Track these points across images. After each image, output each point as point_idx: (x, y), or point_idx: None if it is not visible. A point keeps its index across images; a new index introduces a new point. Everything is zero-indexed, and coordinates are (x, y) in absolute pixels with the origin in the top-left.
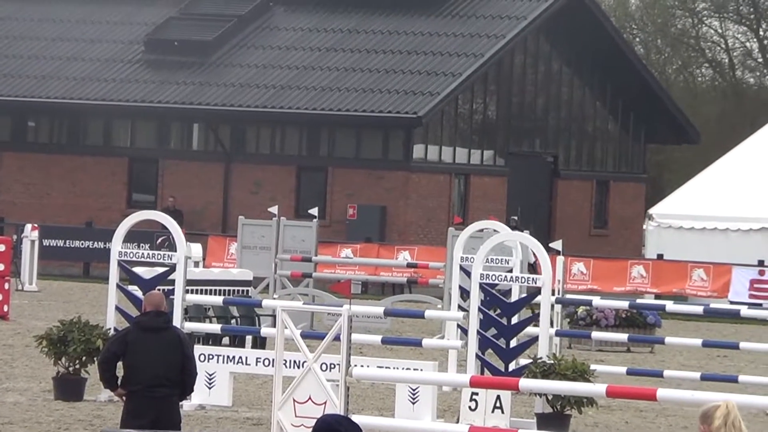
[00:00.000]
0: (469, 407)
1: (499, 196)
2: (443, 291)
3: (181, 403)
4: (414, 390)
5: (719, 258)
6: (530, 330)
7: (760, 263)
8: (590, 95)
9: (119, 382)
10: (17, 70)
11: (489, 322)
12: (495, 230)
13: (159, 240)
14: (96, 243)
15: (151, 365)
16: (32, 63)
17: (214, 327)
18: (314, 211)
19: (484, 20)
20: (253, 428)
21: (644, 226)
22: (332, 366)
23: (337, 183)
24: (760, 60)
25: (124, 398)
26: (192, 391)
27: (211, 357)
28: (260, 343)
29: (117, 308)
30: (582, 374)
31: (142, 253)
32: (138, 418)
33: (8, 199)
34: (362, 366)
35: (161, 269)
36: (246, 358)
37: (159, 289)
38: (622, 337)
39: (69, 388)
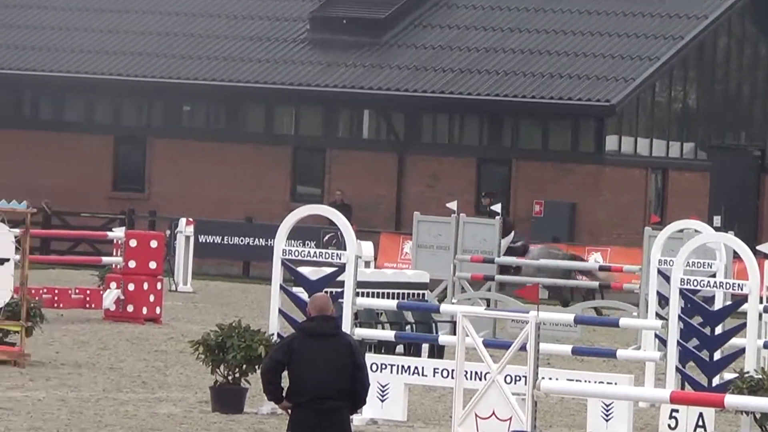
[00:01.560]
0: (669, 425)
1: (700, 192)
2: (639, 297)
3: (351, 417)
4: (608, 406)
5: None
6: (736, 341)
7: None
8: None
9: (284, 393)
10: (169, 50)
11: (690, 332)
12: (696, 230)
13: (326, 237)
14: (257, 240)
15: (318, 375)
16: (183, 42)
17: (387, 334)
18: (497, 207)
19: None
20: None
21: None
22: (518, 378)
23: (522, 177)
24: None
25: (288, 411)
26: (364, 403)
27: (384, 367)
28: (438, 351)
29: (280, 312)
30: None
31: (308, 252)
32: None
33: (160, 191)
34: (551, 378)
35: (329, 270)
36: (422, 368)
37: (326, 292)
38: None
39: (228, 399)
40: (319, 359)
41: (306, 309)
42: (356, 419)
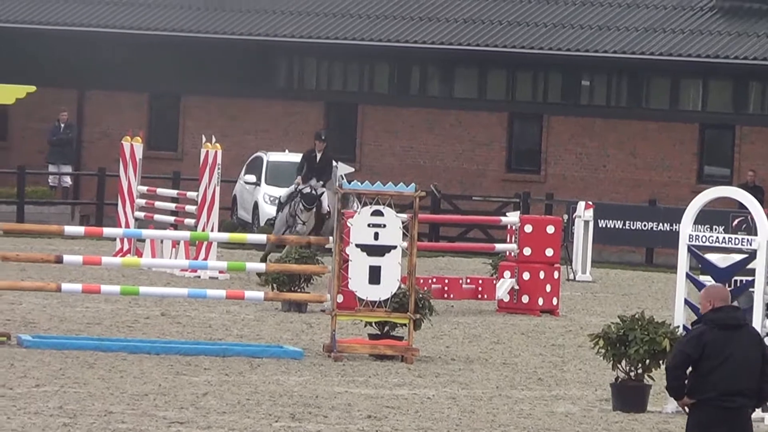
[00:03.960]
0: None
1: None
2: None
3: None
4: None
5: None
6: None
7: None
8: None
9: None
10: (569, 20)
11: None
12: None
13: (736, 222)
14: (661, 225)
15: (730, 369)
16: (587, 11)
17: None
18: None
19: None
20: None
21: None
22: None
23: None
24: None
25: (686, 409)
26: (767, 400)
27: None
28: None
29: (686, 302)
30: None
31: (716, 237)
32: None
33: (558, 172)
34: None
35: (738, 256)
36: None
37: (736, 281)
38: None
39: (630, 397)
40: (729, 352)
41: (699, 301)
42: (755, 417)
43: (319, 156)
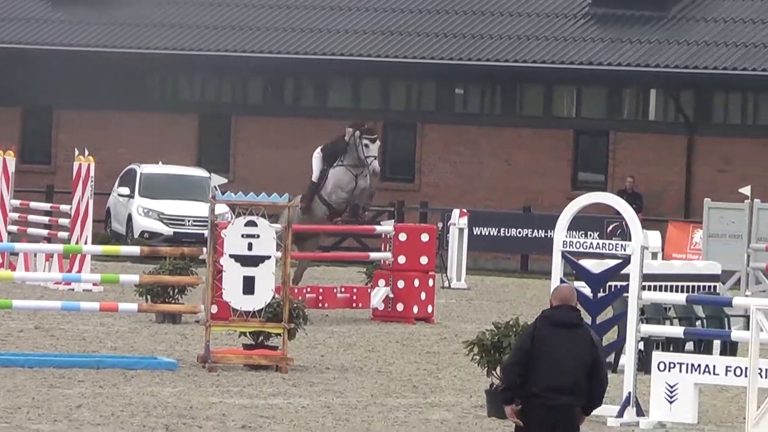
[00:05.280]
0: None
1: None
2: None
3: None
4: None
5: None
6: None
7: None
8: None
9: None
10: (439, 29)
11: None
12: None
13: (610, 227)
14: (536, 231)
15: (555, 367)
16: (448, 19)
17: (676, 330)
18: (746, 190)
19: None
20: None
21: None
22: None
23: None
24: None
25: (515, 418)
26: (600, 403)
27: (672, 366)
28: (730, 348)
29: None
30: None
31: (591, 243)
32: (530, 431)
33: (432, 181)
34: None
35: (613, 262)
36: (714, 366)
37: (611, 286)
38: None
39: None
40: (557, 349)
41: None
42: (643, 423)
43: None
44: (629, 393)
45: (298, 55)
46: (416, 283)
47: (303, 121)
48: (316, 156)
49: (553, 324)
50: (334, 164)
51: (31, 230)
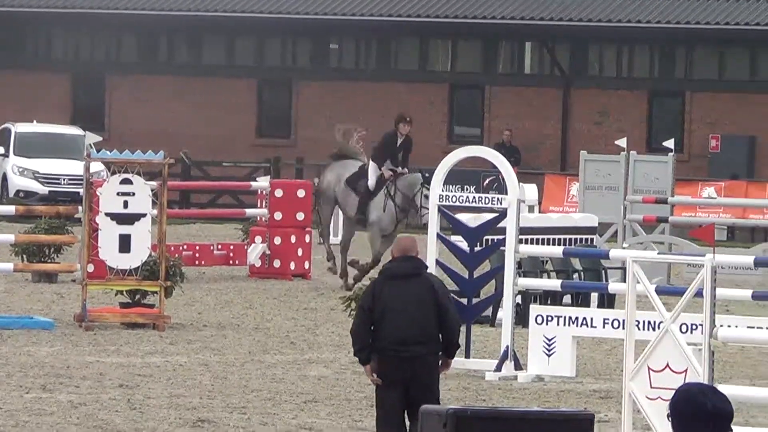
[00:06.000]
0: None
1: None
2: None
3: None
4: None
5: None
6: None
7: None
8: None
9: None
10: None
11: None
12: None
13: (486, 181)
14: None
15: (400, 319)
16: None
17: (553, 283)
18: (670, 143)
19: None
20: (600, 402)
21: None
22: (693, 327)
23: (697, 110)
24: None
25: (375, 378)
26: (456, 347)
27: (549, 319)
28: (608, 301)
29: (438, 262)
30: None
31: (467, 197)
32: (388, 386)
33: (308, 135)
34: (729, 326)
35: (489, 216)
36: (591, 319)
37: (488, 240)
38: None
39: None
40: (400, 301)
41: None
42: (521, 376)
43: (400, 140)
44: (507, 347)
45: (172, 12)
46: (293, 239)
47: (177, 79)
48: (370, 165)
49: (393, 277)
50: (389, 191)
51: None
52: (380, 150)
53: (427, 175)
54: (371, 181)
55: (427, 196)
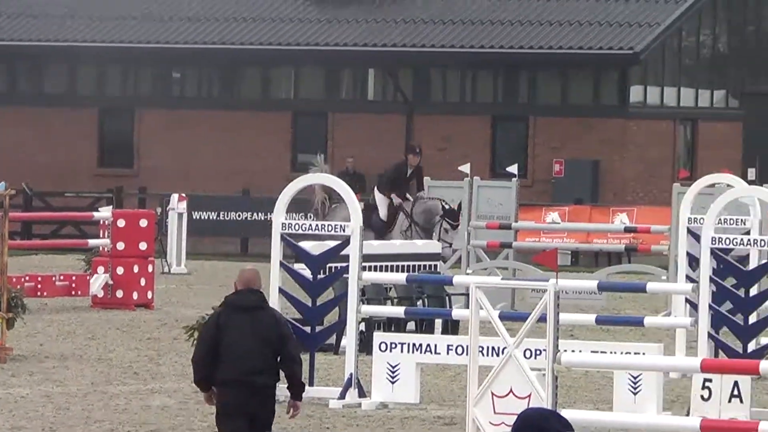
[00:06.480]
0: (701, 396)
1: (732, 144)
2: (668, 259)
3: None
4: (635, 378)
5: None
6: None
7: None
8: None
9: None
10: (160, 13)
11: (723, 294)
12: (728, 185)
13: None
14: (255, 214)
15: (243, 351)
16: (169, 4)
17: (397, 310)
18: (513, 168)
19: None
20: (444, 428)
21: None
22: (537, 352)
23: (540, 135)
24: None
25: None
26: (298, 378)
27: (393, 346)
28: (452, 327)
29: (281, 291)
30: None
31: (310, 225)
32: (230, 415)
33: (150, 165)
34: (573, 351)
35: (333, 243)
36: (435, 345)
37: (331, 267)
38: None
39: None
40: (244, 333)
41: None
42: (365, 404)
43: (410, 171)
44: (351, 374)
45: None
46: (135, 269)
47: (18, 108)
48: (377, 196)
49: (235, 309)
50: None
51: None
52: (389, 180)
53: (446, 205)
54: (382, 212)
55: (446, 230)
